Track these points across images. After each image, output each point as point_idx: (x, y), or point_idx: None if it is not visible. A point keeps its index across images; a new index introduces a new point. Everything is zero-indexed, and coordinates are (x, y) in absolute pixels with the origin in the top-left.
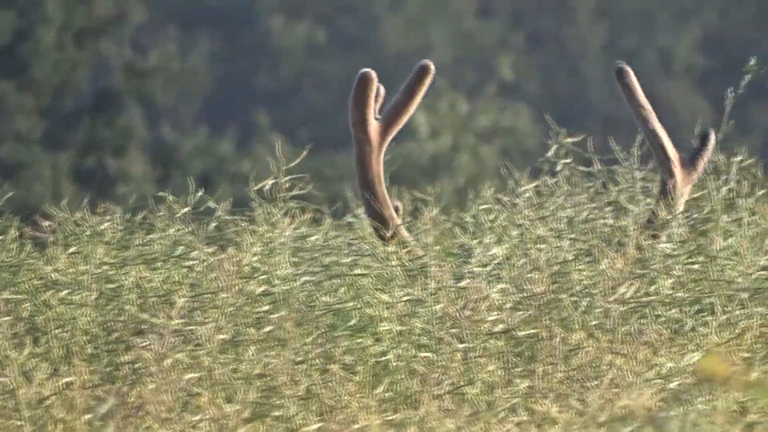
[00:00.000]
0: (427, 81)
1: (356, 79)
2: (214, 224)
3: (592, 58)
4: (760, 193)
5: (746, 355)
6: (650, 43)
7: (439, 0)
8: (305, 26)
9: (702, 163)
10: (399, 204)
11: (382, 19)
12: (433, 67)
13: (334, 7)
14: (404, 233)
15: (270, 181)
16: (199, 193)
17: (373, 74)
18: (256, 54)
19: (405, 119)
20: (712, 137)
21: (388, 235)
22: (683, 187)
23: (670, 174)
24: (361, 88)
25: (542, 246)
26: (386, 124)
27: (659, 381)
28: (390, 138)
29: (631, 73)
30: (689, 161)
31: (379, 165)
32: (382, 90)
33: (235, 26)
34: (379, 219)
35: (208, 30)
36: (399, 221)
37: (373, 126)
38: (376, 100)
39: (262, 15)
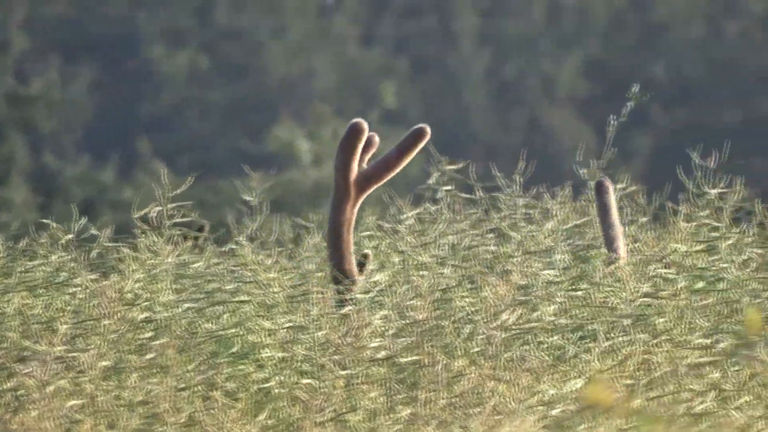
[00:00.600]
0: (421, 144)
1: (347, 127)
2: (96, 251)
3: (476, 85)
4: (643, 219)
5: (628, 382)
6: (533, 70)
7: (323, 27)
8: (187, 53)
9: None
10: (369, 252)
11: (265, 46)
12: (429, 131)
13: (217, 34)
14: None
15: (154, 208)
16: (82, 221)
17: (365, 125)
18: (139, 81)
19: (389, 176)
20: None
21: (348, 282)
22: None
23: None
24: (351, 137)
25: (424, 273)
26: (369, 177)
27: (542, 408)
28: (370, 190)
29: (611, 190)
30: None
31: (352, 213)
32: (377, 138)
33: (117, 54)
34: (339, 266)
35: (90, 58)
36: (356, 272)
37: (355, 174)
38: (368, 149)
39: (144, 42)
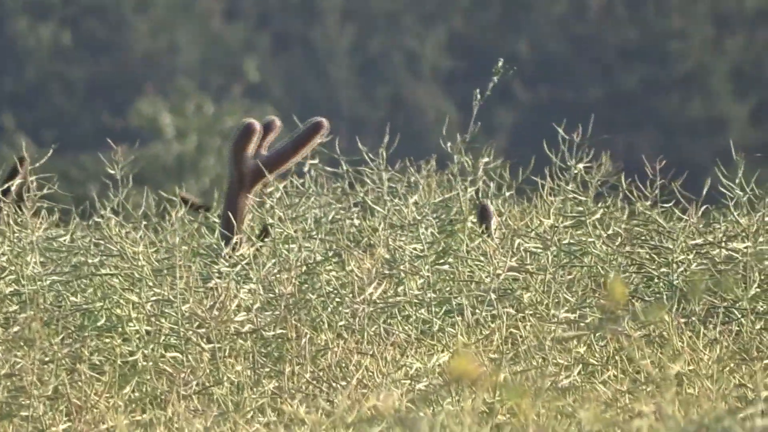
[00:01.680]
0: (317, 138)
1: (241, 127)
2: None
3: (340, 60)
4: (507, 194)
5: (494, 356)
6: (397, 45)
7: (186, 2)
8: (50, 28)
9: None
10: (268, 225)
11: (128, 21)
12: (327, 124)
13: (80, 9)
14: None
15: (17, 181)
16: None
17: (256, 126)
18: (1, 56)
19: (284, 167)
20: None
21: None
22: None
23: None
24: (242, 137)
25: (292, 246)
26: (261, 170)
27: (407, 382)
28: (263, 181)
29: (495, 217)
30: None
31: (243, 203)
32: (278, 123)
33: None
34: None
35: None
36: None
37: (248, 167)
38: (268, 134)
39: (6, 16)
